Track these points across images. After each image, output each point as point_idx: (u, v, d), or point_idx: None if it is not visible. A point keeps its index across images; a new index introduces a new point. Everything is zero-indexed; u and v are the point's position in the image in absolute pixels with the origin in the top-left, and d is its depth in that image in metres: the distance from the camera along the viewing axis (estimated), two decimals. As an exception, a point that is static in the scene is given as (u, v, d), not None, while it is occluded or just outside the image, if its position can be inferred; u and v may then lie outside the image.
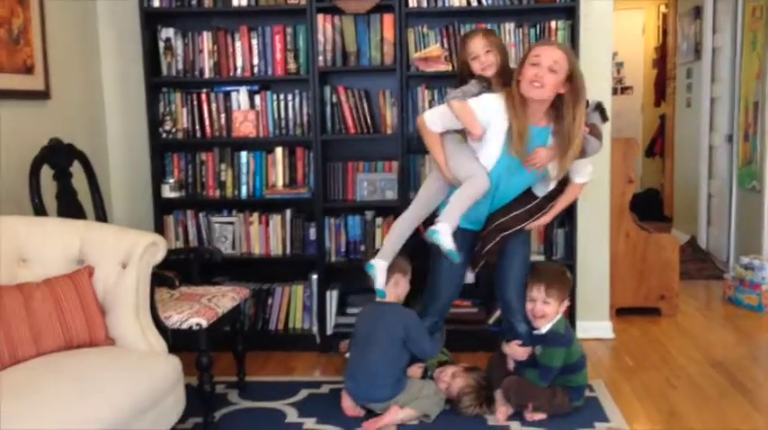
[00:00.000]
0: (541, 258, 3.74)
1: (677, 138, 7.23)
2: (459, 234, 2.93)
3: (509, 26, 3.65)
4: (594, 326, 3.96)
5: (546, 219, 3.09)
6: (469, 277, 3.24)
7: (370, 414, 2.97)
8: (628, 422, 2.93)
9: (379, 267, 3.04)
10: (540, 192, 3.01)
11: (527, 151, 2.80)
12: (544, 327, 2.97)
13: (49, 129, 3.22)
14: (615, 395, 3.20)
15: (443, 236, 2.82)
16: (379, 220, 3.78)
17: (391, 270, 3.06)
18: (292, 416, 3.05)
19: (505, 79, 2.98)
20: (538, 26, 3.64)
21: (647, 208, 7.25)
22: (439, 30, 3.67)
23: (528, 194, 3.02)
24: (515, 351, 3.06)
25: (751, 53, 5.16)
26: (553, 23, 3.62)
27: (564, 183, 3.05)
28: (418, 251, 3.19)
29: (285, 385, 3.36)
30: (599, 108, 3.00)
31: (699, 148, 6.26)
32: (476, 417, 2.98)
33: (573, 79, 2.78)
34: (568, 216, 3.69)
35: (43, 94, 3.39)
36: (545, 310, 2.96)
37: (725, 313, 4.55)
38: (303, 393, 3.27)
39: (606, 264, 3.97)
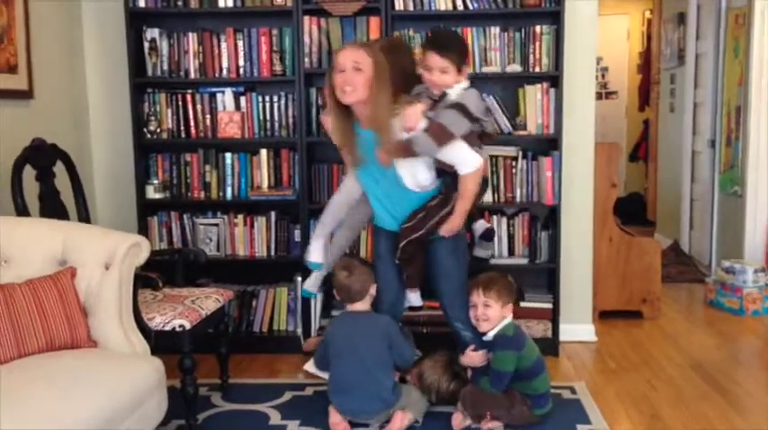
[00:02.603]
0: (525, 262, 3.76)
1: (661, 142, 7.30)
2: (384, 236, 3.06)
3: (494, 30, 3.66)
4: (577, 329, 3.98)
5: (455, 220, 2.91)
6: (414, 299, 3.16)
7: (356, 426, 2.92)
8: (609, 424, 2.95)
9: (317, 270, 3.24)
10: (411, 185, 2.92)
11: (365, 154, 2.89)
12: (491, 333, 2.90)
13: (32, 129, 3.20)
14: (597, 397, 3.22)
15: (309, 251, 3.19)
16: (363, 223, 3.77)
17: (368, 281, 3.00)
18: (276, 418, 3.04)
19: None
20: (523, 30, 3.65)
21: (631, 212, 7.31)
22: (425, 33, 3.67)
23: (429, 200, 2.95)
24: (472, 358, 2.99)
25: (733, 59, 5.22)
26: (538, 28, 3.64)
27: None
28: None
29: (269, 387, 3.36)
30: (455, 107, 2.81)
31: (682, 153, 6.32)
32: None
33: (378, 74, 2.76)
34: (552, 219, 3.72)
35: (26, 94, 3.37)
36: (487, 314, 2.88)
37: (706, 316, 4.59)
38: (287, 396, 3.26)
39: (589, 267, 4.00)
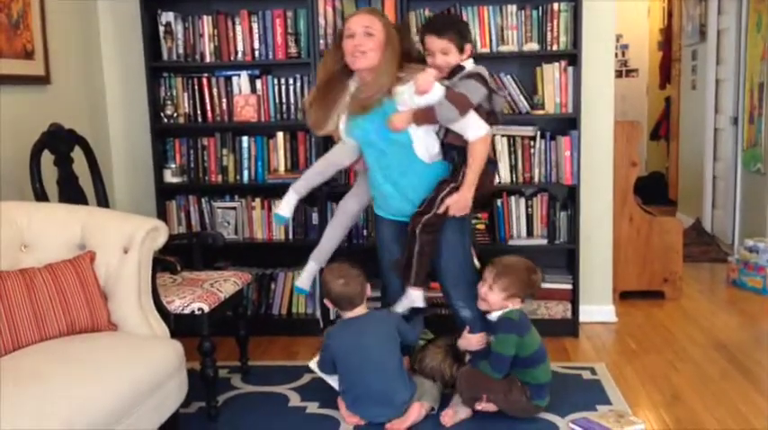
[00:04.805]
0: (544, 242, 3.73)
1: (682, 120, 7.19)
2: (385, 224, 3.07)
3: (511, 8, 3.61)
4: (598, 310, 3.96)
5: (464, 192, 2.84)
6: (417, 298, 2.99)
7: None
8: (630, 405, 2.93)
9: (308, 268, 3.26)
10: (423, 156, 2.89)
11: (370, 123, 2.86)
12: (495, 314, 2.83)
13: (49, 115, 3.22)
14: (618, 378, 3.20)
15: (284, 199, 3.10)
16: (381, 205, 3.76)
17: (363, 282, 2.91)
18: (295, 400, 3.06)
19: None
20: (540, 8, 3.60)
21: (653, 191, 7.24)
22: (440, 13, 3.63)
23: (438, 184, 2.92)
24: (469, 340, 2.93)
25: (756, 34, 5.12)
26: (556, 5, 3.58)
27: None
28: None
29: (288, 370, 3.38)
30: (474, 76, 2.81)
31: (704, 131, 6.23)
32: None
33: (388, 40, 2.77)
34: (571, 199, 3.69)
35: (43, 79, 3.38)
36: (488, 296, 2.83)
37: (729, 296, 4.55)
38: (306, 378, 3.27)
39: (609, 247, 3.96)
